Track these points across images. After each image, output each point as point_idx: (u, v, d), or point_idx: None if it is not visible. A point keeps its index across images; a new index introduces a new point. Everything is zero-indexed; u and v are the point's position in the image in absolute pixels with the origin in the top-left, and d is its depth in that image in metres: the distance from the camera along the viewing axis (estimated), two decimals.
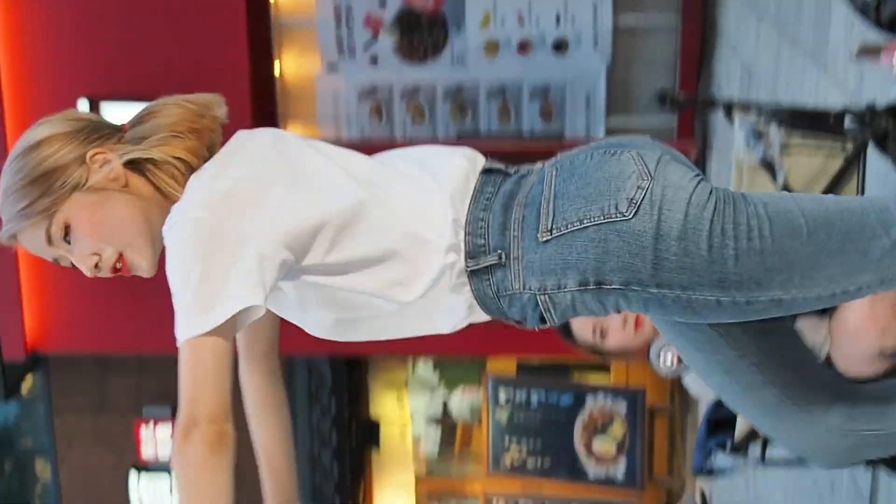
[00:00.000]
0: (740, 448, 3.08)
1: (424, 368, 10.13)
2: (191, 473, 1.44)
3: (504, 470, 9.34)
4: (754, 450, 3.03)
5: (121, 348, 8.11)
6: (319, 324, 1.73)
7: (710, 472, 3.59)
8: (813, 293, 1.64)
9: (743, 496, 6.58)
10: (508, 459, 9.32)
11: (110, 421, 8.45)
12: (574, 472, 9.37)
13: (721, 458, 3.23)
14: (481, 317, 1.71)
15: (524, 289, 1.63)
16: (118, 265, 1.68)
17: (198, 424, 1.42)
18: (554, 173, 1.66)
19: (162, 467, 8.19)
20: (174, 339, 1.49)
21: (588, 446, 9.06)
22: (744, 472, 6.51)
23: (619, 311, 1.65)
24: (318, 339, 1.78)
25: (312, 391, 8.29)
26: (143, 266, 1.70)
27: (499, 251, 1.64)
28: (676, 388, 9.38)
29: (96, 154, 1.66)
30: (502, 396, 9.34)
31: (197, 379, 1.46)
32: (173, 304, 1.52)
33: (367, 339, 1.77)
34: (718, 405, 3.24)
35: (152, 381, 8.37)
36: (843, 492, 3.92)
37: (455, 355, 9.28)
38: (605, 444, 8.93)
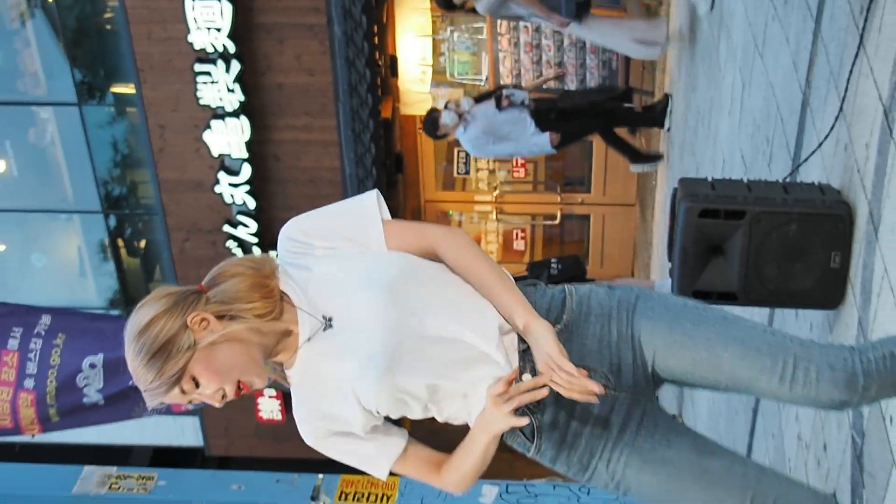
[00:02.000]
0: None
1: None
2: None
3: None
4: None
5: None
6: None
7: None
8: (749, 322, 2.10)
9: (709, 16, 7.09)
10: None
11: None
12: None
13: None
14: None
15: (557, 287, 2.17)
16: (241, 391, 2.01)
17: None
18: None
19: None
20: None
21: None
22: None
23: (619, 301, 2.14)
24: None
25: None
26: (257, 384, 2.03)
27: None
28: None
29: (194, 317, 1.97)
30: None
31: None
32: None
33: None
34: None
35: None
36: (795, 6, 4.48)
37: None
38: None
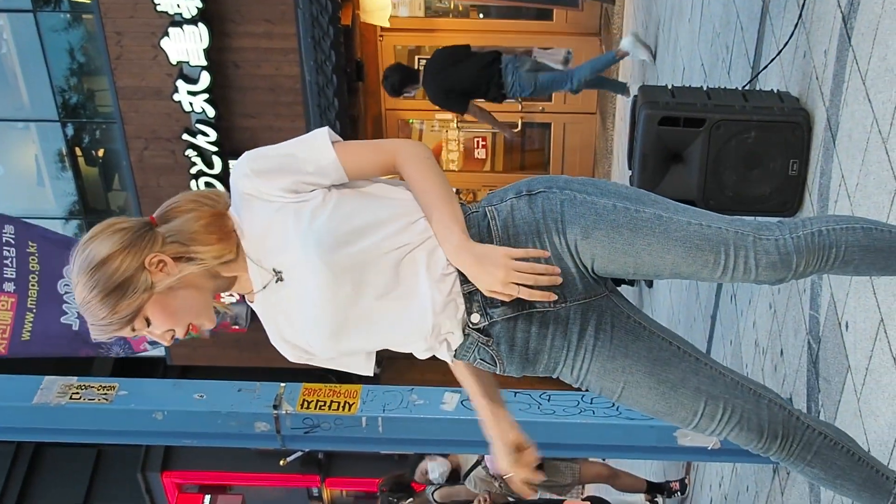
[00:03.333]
0: None
1: None
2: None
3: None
4: None
5: None
6: None
7: None
8: (685, 217, 2.01)
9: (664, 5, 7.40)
10: None
11: None
12: None
13: None
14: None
15: (478, 207, 2.05)
16: (190, 331, 2.01)
17: None
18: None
19: None
20: None
21: None
22: None
23: (543, 211, 2.00)
24: None
25: None
26: (207, 326, 2.02)
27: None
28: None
29: (152, 258, 1.92)
30: None
31: None
32: None
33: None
34: None
35: None
36: None
37: None
38: None
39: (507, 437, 2.19)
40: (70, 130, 10.74)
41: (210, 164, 9.93)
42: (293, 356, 2.15)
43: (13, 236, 3.77)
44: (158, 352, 11.44)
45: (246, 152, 2.02)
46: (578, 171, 11.57)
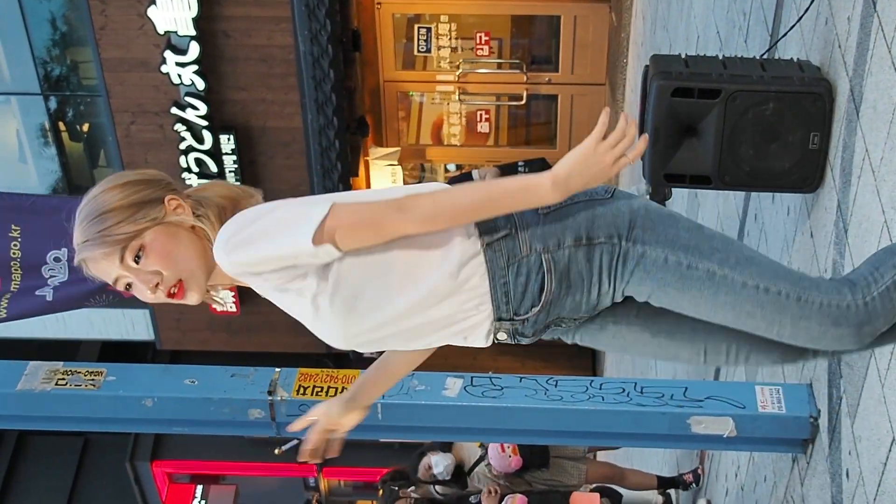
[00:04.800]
0: None
1: None
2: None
3: None
4: None
5: None
6: None
7: None
8: (741, 277, 1.94)
9: None
10: None
11: None
12: None
13: None
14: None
15: (531, 251, 1.96)
16: (174, 290, 1.96)
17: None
18: None
19: None
20: None
21: None
22: None
23: (600, 269, 1.99)
24: None
25: None
26: (195, 295, 1.99)
27: (508, 226, 1.97)
28: None
29: (172, 199, 1.98)
30: None
31: None
32: None
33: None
34: None
35: None
36: None
37: None
38: None
39: (336, 418, 2.28)
40: (53, 104, 10.70)
41: (200, 139, 9.91)
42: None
43: None
44: (147, 335, 11.45)
45: (221, 237, 1.93)
46: None
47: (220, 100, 9.71)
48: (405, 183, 12.34)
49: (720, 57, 3.59)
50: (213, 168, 10.05)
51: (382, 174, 12.17)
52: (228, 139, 9.90)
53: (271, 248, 1.89)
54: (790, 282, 1.95)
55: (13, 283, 3.71)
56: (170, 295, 1.96)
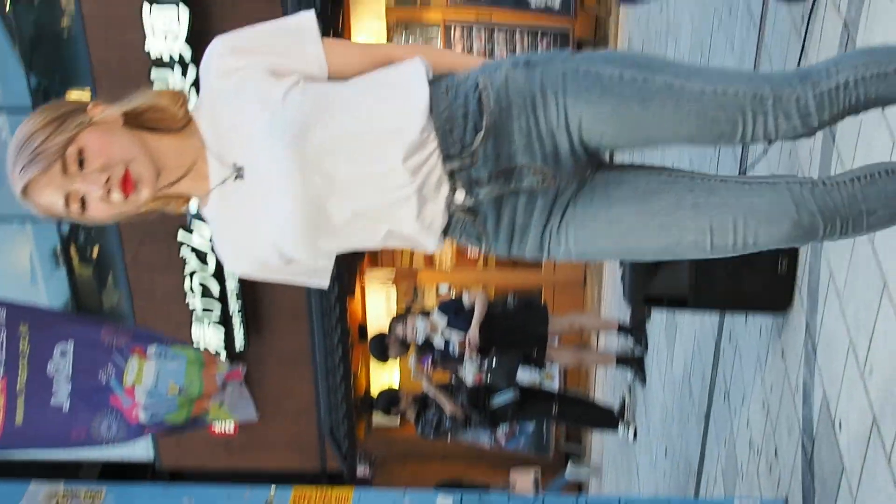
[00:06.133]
0: None
1: None
2: None
3: (460, 2, 10.22)
4: None
5: None
6: None
7: (633, 1, 4.21)
8: (698, 84, 1.84)
9: (658, 21, 7.29)
10: None
11: None
12: (518, 2, 10.26)
13: None
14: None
15: (469, 77, 1.89)
16: (124, 183, 1.79)
17: None
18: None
19: None
20: None
21: None
22: (659, 1, 7.42)
23: (542, 84, 1.84)
24: None
25: None
26: (146, 186, 1.82)
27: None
28: (601, 22, 10.08)
29: (95, 105, 1.84)
30: None
31: None
32: None
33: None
34: None
35: None
36: (739, 16, 4.47)
37: None
38: None
39: None
40: (65, 228, 10.77)
41: (204, 262, 9.94)
42: (247, 268, 2.01)
43: (4, 319, 3.78)
44: (147, 455, 11.28)
45: (219, 36, 1.89)
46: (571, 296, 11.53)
47: None
48: (398, 304, 12.36)
49: None
50: (217, 290, 10.07)
51: (377, 295, 12.20)
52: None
53: (271, 36, 1.88)
54: (742, 81, 1.87)
55: (19, 381, 3.71)
56: (123, 188, 1.80)
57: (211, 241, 9.64)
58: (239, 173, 1.87)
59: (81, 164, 1.77)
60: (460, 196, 1.88)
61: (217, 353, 9.99)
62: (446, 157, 1.85)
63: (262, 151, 1.82)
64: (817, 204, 1.87)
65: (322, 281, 2.09)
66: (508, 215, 1.93)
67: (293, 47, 1.88)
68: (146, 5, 8.91)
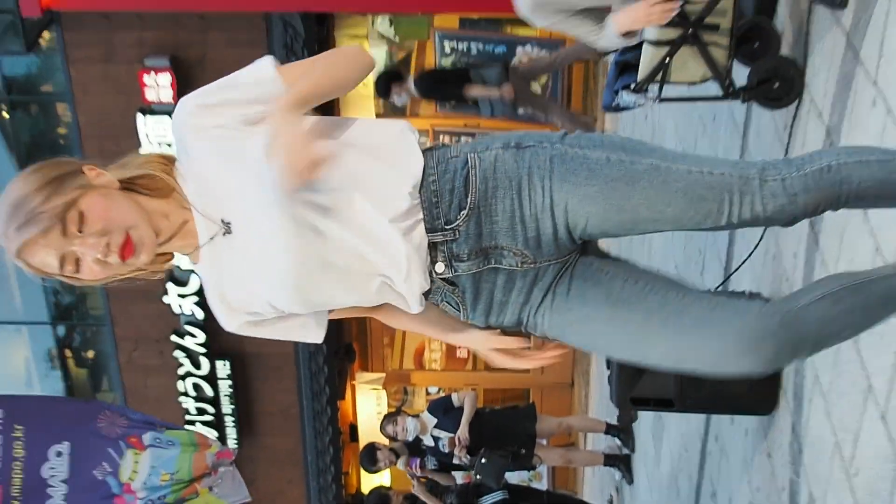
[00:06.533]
0: (642, 87, 3.42)
1: (382, 23, 10.71)
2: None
3: (448, 108, 10.23)
4: (653, 89, 3.42)
5: (124, 4, 8.74)
6: None
7: (617, 109, 4.27)
8: (685, 166, 1.86)
9: (643, 128, 7.41)
10: None
11: (118, 69, 9.13)
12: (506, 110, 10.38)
13: (626, 97, 3.49)
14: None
15: (459, 153, 1.90)
16: (124, 249, 1.79)
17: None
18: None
19: (164, 110, 8.92)
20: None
21: None
22: (644, 108, 7.52)
23: (529, 168, 1.85)
24: None
25: (288, 44, 9.00)
26: (145, 251, 1.82)
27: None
28: (588, 129, 10.30)
29: (90, 168, 1.83)
30: (447, 46, 10.18)
31: None
32: None
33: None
34: (625, 51, 3.61)
35: (153, 34, 9.01)
36: (723, 122, 4.54)
37: (407, 12, 10.02)
38: (532, 88, 9.76)
39: (492, 342, 2.05)
40: (61, 331, 10.74)
41: (197, 365, 9.90)
42: (235, 323, 2.00)
43: (1, 421, 3.72)
44: None
45: (187, 95, 1.90)
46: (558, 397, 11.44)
47: (218, 328, 9.72)
48: (388, 406, 12.26)
49: None
50: (210, 392, 10.00)
51: (367, 397, 12.11)
52: (224, 364, 9.90)
53: (233, 81, 1.86)
54: (729, 165, 1.89)
55: (13, 487, 3.65)
56: (122, 255, 1.79)
57: (204, 346, 9.67)
58: (227, 228, 1.87)
59: (80, 226, 1.77)
60: (440, 267, 1.89)
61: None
62: (430, 230, 1.87)
63: (254, 209, 1.81)
64: (787, 334, 1.87)
65: (316, 336, 2.07)
66: (487, 291, 1.95)
67: (260, 94, 1.86)
68: (140, 116, 9.05)
